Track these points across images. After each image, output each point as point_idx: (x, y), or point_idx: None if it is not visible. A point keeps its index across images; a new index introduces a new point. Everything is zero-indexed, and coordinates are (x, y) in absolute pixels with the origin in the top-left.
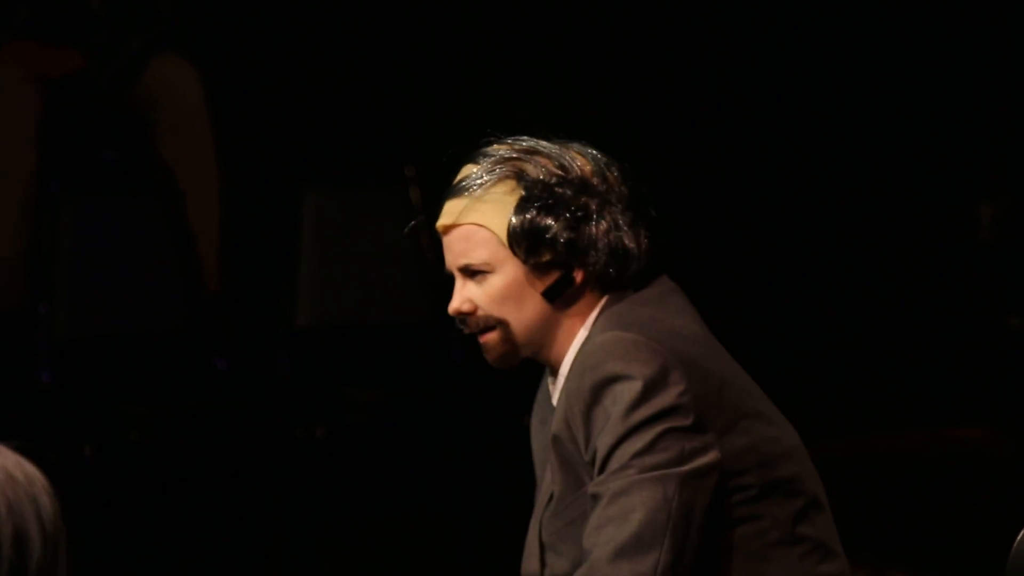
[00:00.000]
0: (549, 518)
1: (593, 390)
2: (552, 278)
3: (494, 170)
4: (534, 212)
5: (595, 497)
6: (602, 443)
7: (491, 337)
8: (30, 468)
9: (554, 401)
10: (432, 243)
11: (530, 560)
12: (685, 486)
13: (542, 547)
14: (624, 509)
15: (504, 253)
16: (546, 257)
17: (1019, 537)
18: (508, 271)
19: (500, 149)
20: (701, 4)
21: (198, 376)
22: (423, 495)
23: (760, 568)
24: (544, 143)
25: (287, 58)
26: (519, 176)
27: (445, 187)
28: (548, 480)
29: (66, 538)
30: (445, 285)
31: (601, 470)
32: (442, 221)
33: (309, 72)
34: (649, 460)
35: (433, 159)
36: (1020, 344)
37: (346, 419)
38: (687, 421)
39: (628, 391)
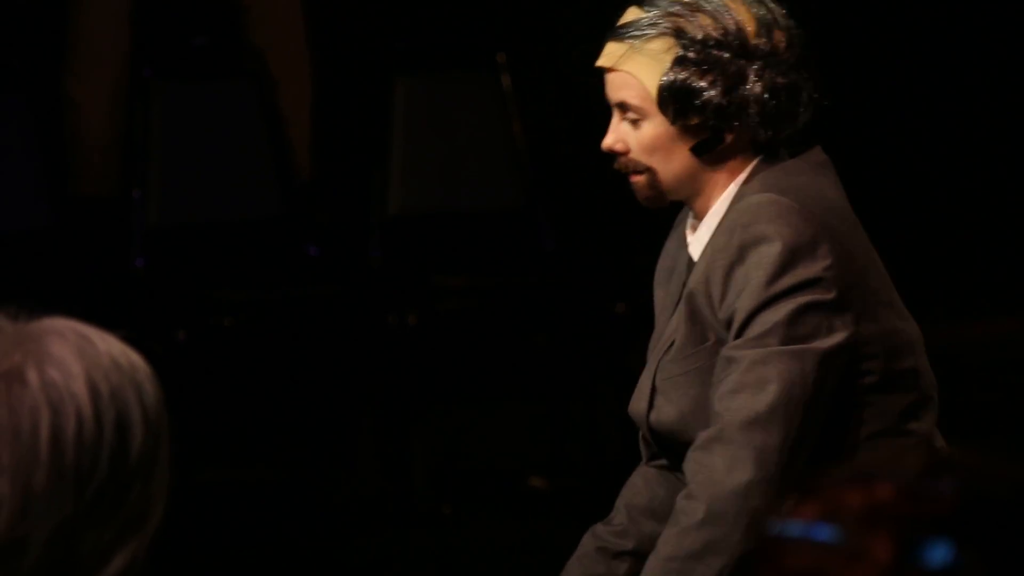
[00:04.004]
0: (667, 363)
1: (739, 249)
2: (701, 136)
3: (656, 24)
4: (686, 75)
5: (731, 360)
6: (742, 306)
7: (639, 180)
8: (135, 356)
9: (691, 251)
10: (523, 130)
11: (639, 401)
12: (822, 363)
13: (653, 390)
14: (761, 379)
15: (655, 107)
16: (694, 120)
17: None
18: (658, 123)
19: None
20: None
21: (290, 262)
22: (513, 381)
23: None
24: None
25: None
26: (678, 34)
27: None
28: (671, 327)
29: (168, 427)
30: (536, 173)
31: (739, 333)
32: (602, 61)
33: None
34: (790, 332)
35: (523, 45)
36: None
37: (437, 306)
38: (829, 295)
39: (774, 255)
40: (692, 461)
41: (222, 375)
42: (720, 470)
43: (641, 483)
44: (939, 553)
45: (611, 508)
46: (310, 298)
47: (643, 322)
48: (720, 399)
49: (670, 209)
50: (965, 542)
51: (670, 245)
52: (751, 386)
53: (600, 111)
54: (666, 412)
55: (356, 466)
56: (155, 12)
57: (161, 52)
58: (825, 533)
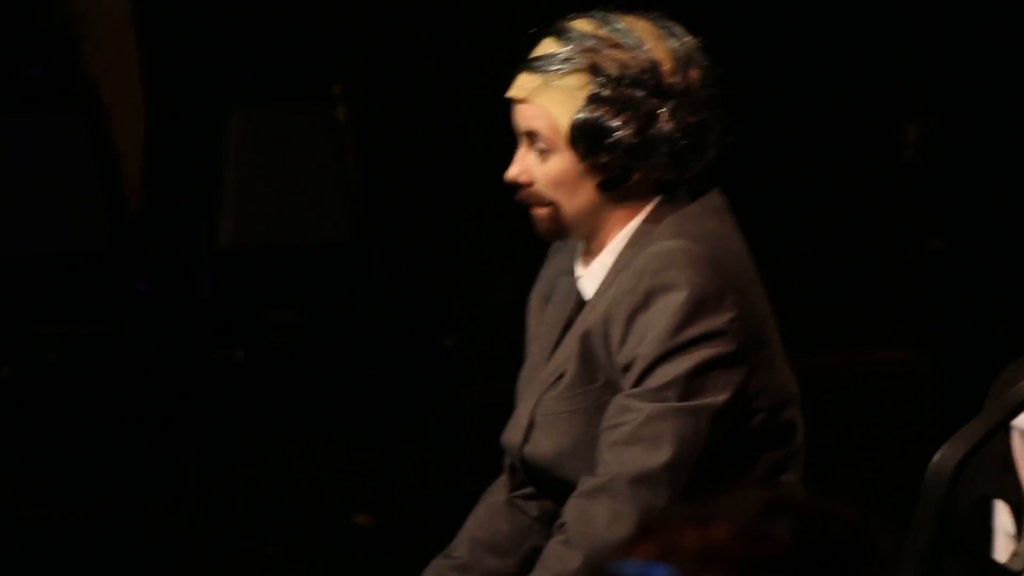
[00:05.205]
0: (552, 399)
1: (646, 295)
2: (608, 173)
3: (572, 59)
4: (599, 113)
5: (626, 409)
6: (643, 353)
7: (542, 213)
8: None
9: (582, 285)
10: (358, 162)
11: (514, 432)
12: (715, 420)
13: (531, 423)
14: (656, 435)
15: (565, 142)
16: (603, 158)
17: (934, 458)
18: (566, 158)
19: (584, 29)
20: None
21: (118, 297)
22: (342, 417)
23: None
24: (628, 31)
25: None
26: (593, 70)
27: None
28: (558, 362)
29: None
30: (369, 206)
31: (638, 381)
32: (514, 92)
33: None
34: (690, 386)
35: (359, 77)
36: (941, 266)
37: (267, 340)
38: (731, 348)
39: (679, 304)
40: (574, 508)
41: (46, 412)
42: (601, 523)
43: (485, 517)
44: None
45: (436, 545)
46: (138, 333)
47: (472, 358)
48: (611, 448)
49: (503, 245)
50: None
51: (547, 273)
52: (645, 441)
53: (437, 142)
54: (543, 447)
55: (180, 504)
56: None
57: None
58: (661, 573)
